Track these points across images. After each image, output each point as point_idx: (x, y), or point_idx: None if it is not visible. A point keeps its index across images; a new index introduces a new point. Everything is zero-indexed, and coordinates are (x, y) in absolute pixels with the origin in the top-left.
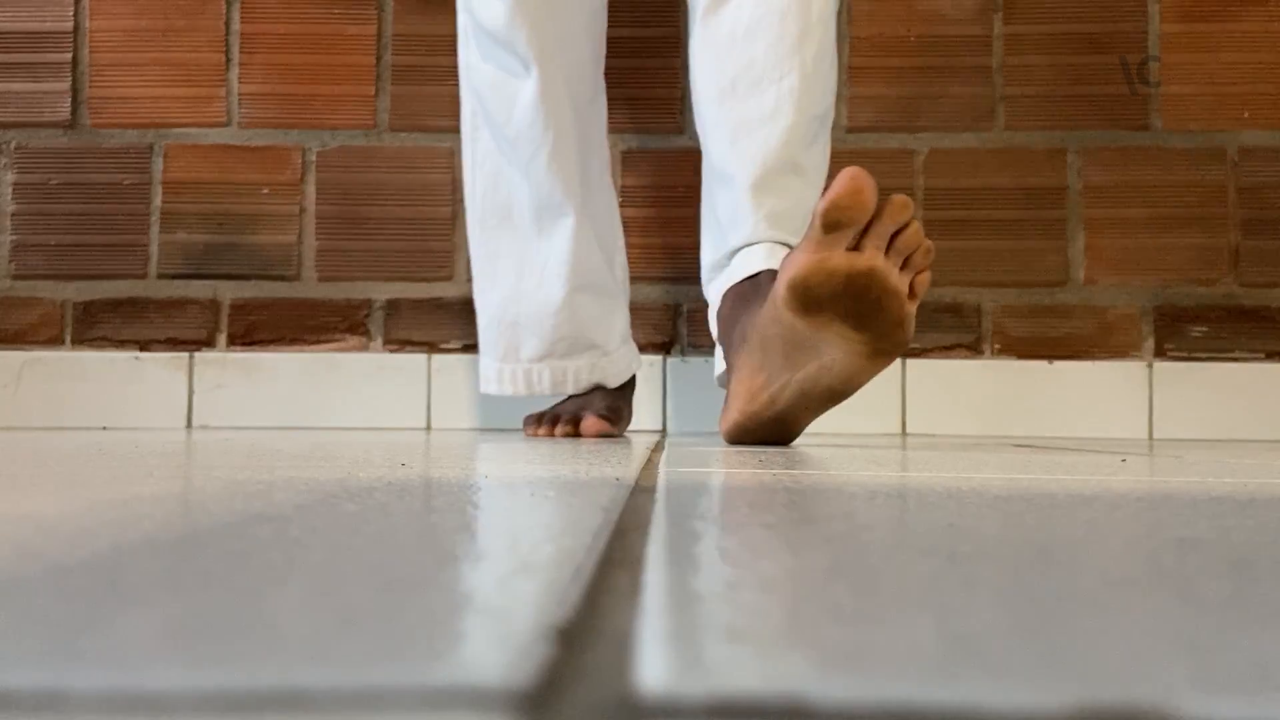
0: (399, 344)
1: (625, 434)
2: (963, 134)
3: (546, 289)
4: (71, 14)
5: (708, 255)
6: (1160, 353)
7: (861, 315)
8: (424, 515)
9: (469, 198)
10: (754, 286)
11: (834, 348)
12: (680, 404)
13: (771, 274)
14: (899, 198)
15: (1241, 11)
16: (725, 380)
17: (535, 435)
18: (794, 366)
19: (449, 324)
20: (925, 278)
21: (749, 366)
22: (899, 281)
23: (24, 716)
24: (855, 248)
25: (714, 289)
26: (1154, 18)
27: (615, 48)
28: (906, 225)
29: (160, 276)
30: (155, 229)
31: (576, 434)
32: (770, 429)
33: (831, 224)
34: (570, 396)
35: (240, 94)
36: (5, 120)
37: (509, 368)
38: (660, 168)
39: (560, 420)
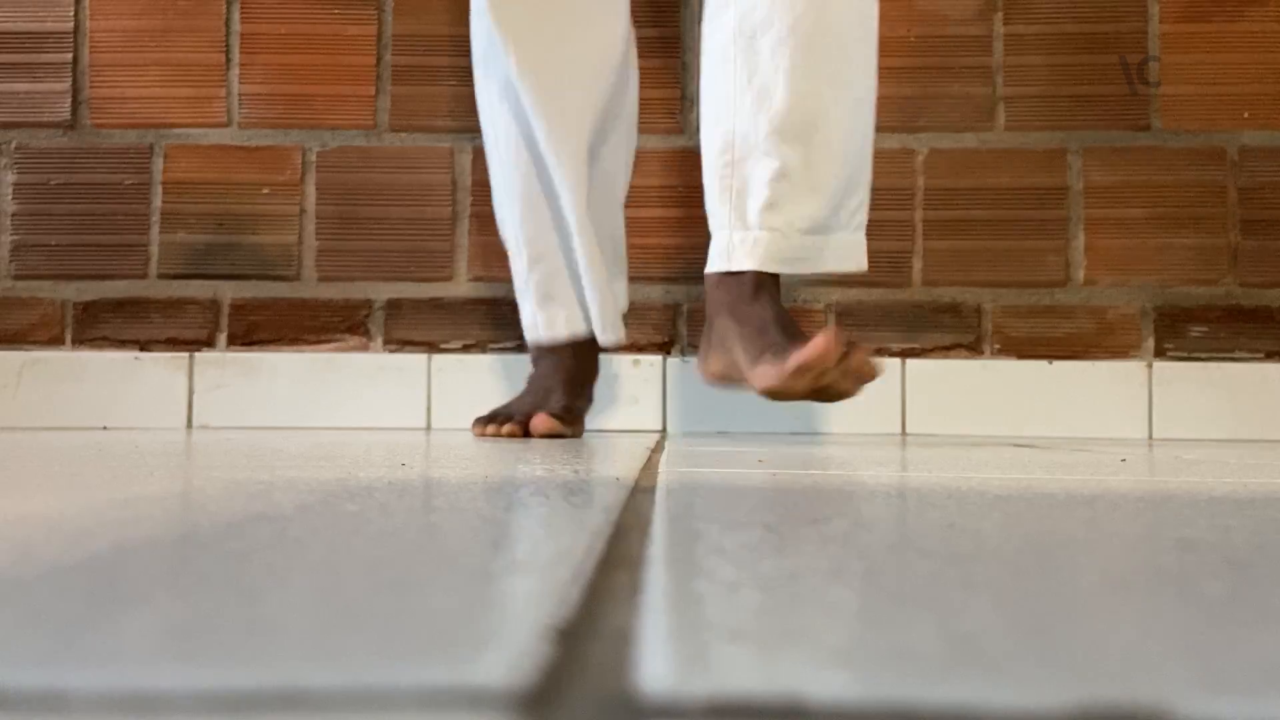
0: (399, 344)
1: (581, 435)
2: (963, 134)
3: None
4: (71, 14)
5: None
6: (1160, 353)
7: (823, 396)
8: (424, 515)
9: None
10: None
11: None
12: (680, 404)
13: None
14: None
15: (1241, 11)
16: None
17: (483, 435)
18: None
19: (449, 324)
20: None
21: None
22: (853, 386)
23: (24, 716)
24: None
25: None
26: (1154, 18)
27: None
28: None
29: (160, 276)
30: (155, 229)
31: (525, 434)
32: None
33: (800, 372)
34: (526, 393)
35: (240, 94)
36: (5, 120)
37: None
38: (660, 168)
39: (512, 419)
